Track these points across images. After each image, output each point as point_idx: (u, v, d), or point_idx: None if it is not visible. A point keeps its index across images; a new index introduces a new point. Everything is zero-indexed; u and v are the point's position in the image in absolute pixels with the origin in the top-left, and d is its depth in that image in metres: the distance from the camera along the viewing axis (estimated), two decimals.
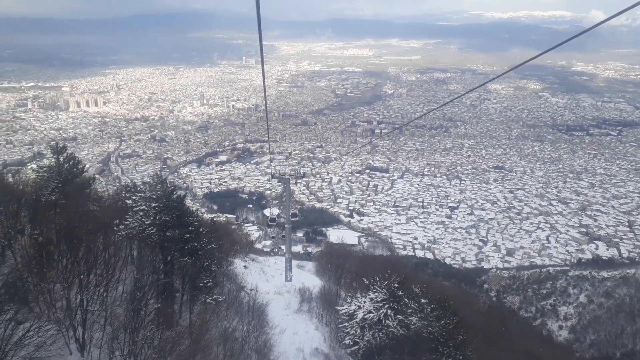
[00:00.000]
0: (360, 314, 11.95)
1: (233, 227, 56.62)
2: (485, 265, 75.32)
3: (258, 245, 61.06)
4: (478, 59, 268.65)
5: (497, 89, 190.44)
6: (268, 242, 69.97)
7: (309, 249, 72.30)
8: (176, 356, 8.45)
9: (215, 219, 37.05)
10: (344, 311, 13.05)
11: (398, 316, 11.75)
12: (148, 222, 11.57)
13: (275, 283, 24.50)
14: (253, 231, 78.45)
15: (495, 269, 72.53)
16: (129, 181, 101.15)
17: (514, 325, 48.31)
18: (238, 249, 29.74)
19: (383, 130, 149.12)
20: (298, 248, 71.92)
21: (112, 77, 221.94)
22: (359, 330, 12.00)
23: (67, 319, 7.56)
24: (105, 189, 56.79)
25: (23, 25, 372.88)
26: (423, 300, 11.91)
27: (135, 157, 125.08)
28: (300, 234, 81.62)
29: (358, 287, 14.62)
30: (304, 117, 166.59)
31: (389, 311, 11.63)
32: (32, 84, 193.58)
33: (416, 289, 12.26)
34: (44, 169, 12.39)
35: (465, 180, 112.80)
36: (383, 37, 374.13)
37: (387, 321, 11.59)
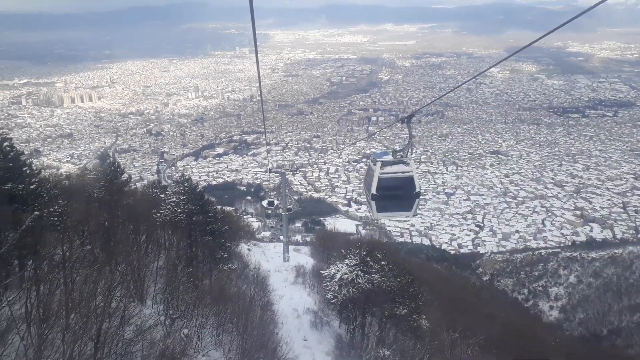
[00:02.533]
0: (338, 275, 16.02)
1: (235, 217, 59.36)
2: (482, 250, 76.88)
3: (258, 236, 63.88)
4: (473, 41, 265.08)
5: (493, 72, 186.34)
6: (267, 234, 72.10)
7: (307, 239, 74.63)
8: (203, 306, 11.92)
9: (223, 209, 40.33)
10: (326, 274, 17.22)
11: (366, 275, 15.75)
12: (179, 211, 15.18)
13: (275, 263, 28.29)
14: (252, 222, 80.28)
15: (489, 253, 74.10)
16: (126, 176, 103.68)
17: (502, 303, 51.03)
18: (242, 235, 33.27)
19: (379, 118, 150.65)
20: (297, 238, 74.23)
21: (106, 72, 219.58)
22: (337, 287, 16.15)
23: (129, 276, 10.80)
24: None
25: (14, 22, 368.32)
26: (383, 262, 15.85)
27: (132, 152, 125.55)
28: (298, 224, 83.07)
29: (338, 256, 18.32)
30: (300, 107, 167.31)
31: (359, 272, 15.63)
32: (25, 80, 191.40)
33: (379, 255, 16.16)
34: (93, 172, 15.84)
35: (461, 166, 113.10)
36: (377, 23, 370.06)
37: (358, 280, 15.61)
